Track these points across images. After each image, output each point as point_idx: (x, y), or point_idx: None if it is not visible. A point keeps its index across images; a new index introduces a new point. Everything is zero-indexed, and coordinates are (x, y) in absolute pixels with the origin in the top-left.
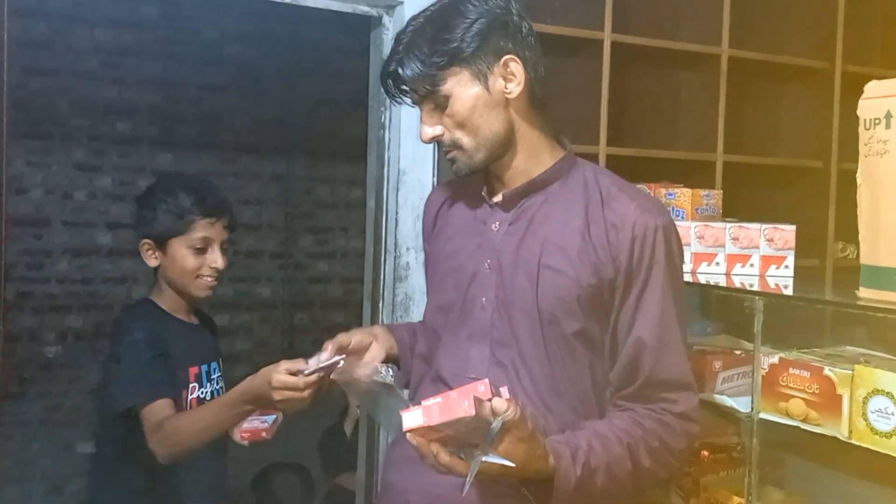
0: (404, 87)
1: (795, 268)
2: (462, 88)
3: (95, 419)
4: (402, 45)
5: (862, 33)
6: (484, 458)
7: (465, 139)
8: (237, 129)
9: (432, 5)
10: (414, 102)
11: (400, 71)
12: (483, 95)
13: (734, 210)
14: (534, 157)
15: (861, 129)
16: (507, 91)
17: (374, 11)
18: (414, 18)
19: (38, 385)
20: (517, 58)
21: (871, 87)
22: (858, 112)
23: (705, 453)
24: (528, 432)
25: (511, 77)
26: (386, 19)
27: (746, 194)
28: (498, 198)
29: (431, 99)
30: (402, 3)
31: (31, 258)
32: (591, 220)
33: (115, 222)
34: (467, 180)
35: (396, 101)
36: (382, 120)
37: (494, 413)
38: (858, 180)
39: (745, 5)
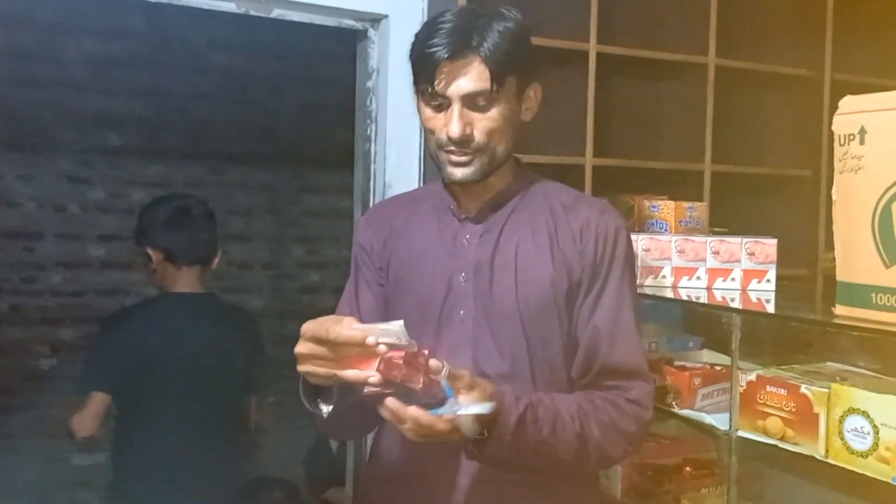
0: (470, 66)
1: (785, 278)
2: (509, 97)
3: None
4: (480, 27)
5: (850, 41)
6: (463, 412)
7: (490, 145)
8: (226, 138)
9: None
10: (444, 93)
11: (485, 48)
12: (516, 111)
13: (723, 220)
14: (505, 173)
15: (836, 145)
16: (524, 114)
17: (359, 25)
18: (471, 10)
19: (30, 397)
20: (540, 86)
21: (846, 103)
22: (833, 128)
23: (688, 469)
24: (470, 379)
25: (531, 101)
26: (371, 32)
27: (735, 204)
28: (468, 212)
29: (473, 96)
30: (387, 16)
31: (23, 271)
32: (558, 226)
33: (108, 234)
34: (414, 198)
35: (424, 82)
36: (368, 132)
37: (433, 373)
38: (834, 196)
39: (732, 14)
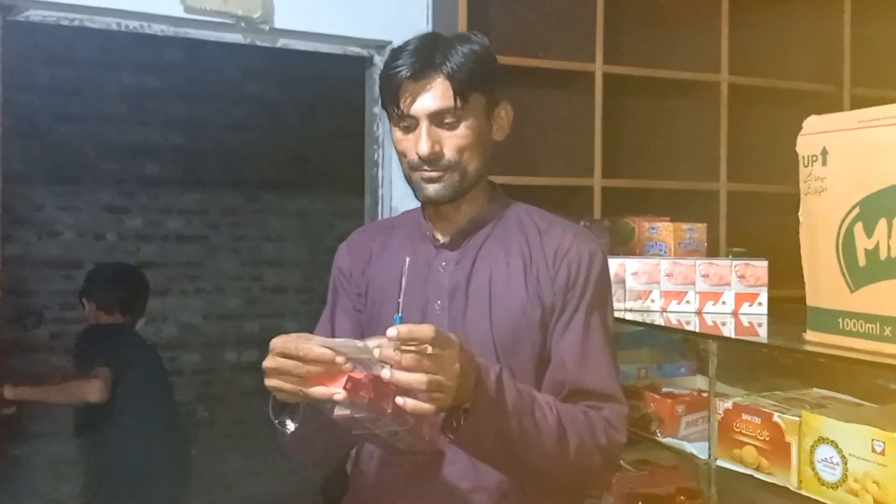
0: (434, 83)
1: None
2: (478, 115)
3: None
4: (443, 47)
5: (870, 55)
6: None
7: (461, 163)
8: (259, 166)
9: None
10: (410, 112)
11: (448, 66)
12: (486, 129)
13: (740, 240)
14: (479, 197)
15: (800, 167)
16: (495, 133)
17: (365, 52)
18: (434, 34)
19: (70, 423)
20: (510, 106)
21: (809, 124)
22: (797, 149)
23: (682, 498)
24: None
25: (502, 121)
26: (377, 59)
27: (757, 223)
28: (444, 238)
29: (440, 114)
30: (391, 42)
31: (63, 299)
32: (532, 252)
33: (146, 262)
34: (392, 224)
35: (390, 104)
36: (376, 158)
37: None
38: (801, 219)
39: (745, 31)
